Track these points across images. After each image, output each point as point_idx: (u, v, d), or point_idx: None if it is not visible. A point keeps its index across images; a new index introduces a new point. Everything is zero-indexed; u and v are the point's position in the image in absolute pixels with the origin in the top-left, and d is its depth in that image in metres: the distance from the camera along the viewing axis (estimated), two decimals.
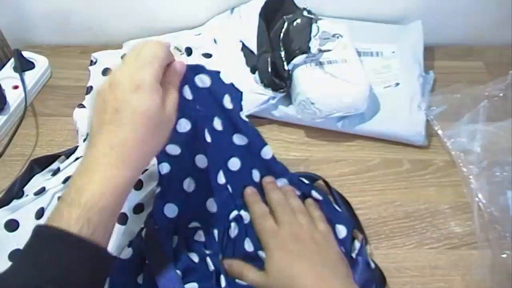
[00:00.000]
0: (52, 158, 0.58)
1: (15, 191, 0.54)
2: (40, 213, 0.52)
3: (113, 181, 0.37)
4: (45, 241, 0.35)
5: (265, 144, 0.55)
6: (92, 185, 0.36)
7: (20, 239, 0.49)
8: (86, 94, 0.65)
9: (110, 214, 0.37)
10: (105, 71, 0.67)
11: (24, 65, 0.69)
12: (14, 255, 0.49)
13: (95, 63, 0.69)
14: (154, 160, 0.49)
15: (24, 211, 0.52)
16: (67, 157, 0.58)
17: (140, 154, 0.39)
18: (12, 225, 0.51)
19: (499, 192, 0.55)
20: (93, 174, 0.37)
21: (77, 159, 0.57)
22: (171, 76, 0.43)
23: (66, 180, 0.54)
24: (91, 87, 0.66)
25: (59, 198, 0.52)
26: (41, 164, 0.57)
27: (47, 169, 0.57)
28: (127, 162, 0.38)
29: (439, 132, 0.62)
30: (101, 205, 0.36)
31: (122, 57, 0.67)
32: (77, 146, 0.59)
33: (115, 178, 0.37)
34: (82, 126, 0.61)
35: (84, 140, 0.59)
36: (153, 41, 0.41)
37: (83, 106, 0.63)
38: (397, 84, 0.66)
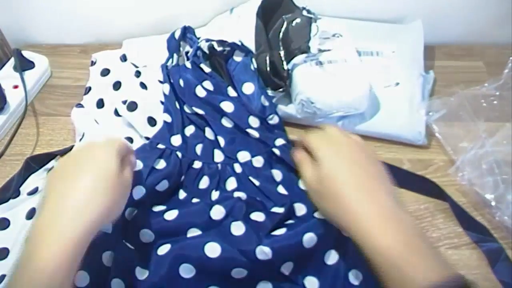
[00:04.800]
0: (49, 157, 0.58)
1: (12, 190, 0.55)
2: (31, 213, 0.52)
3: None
4: None
5: None
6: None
7: (9, 237, 0.50)
8: (85, 94, 0.65)
9: None
10: (104, 72, 0.66)
11: (24, 65, 0.69)
12: (1, 253, 0.49)
13: (95, 63, 0.69)
14: None
15: (16, 211, 0.52)
16: (62, 157, 0.58)
17: None
18: (3, 224, 0.51)
19: (501, 192, 0.55)
20: None
21: None
22: None
23: None
24: (90, 87, 0.66)
25: None
26: (37, 162, 0.57)
27: (43, 168, 0.57)
28: None
29: (440, 137, 0.62)
30: None
31: (121, 58, 0.67)
32: (73, 146, 0.59)
33: None
34: (79, 125, 0.61)
35: (81, 139, 0.59)
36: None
37: (81, 106, 0.63)
38: (397, 83, 0.66)
